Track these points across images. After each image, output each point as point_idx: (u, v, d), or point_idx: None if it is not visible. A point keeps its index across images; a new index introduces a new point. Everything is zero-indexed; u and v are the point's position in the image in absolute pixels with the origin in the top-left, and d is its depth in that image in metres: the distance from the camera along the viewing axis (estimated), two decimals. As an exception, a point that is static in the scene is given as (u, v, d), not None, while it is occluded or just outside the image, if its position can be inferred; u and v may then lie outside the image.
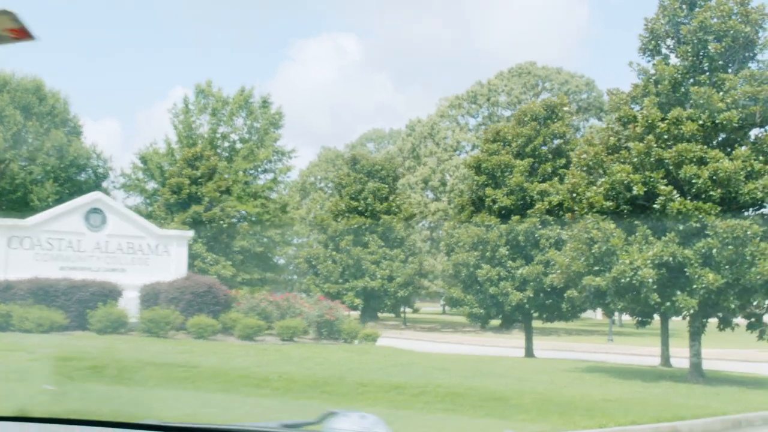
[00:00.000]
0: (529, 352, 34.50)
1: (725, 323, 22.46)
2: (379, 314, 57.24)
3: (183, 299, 24.55)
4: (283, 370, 18.03)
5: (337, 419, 2.73)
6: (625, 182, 20.88)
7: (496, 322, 37.15)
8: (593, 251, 20.65)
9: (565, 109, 37.45)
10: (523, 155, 35.37)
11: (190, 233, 30.61)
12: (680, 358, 27.60)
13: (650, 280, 19.58)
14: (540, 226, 32.92)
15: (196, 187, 40.62)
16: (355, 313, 43.34)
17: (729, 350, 35.58)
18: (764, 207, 20.91)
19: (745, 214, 20.93)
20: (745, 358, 34.65)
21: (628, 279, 19.79)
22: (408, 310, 61.60)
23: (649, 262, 19.75)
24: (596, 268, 20.77)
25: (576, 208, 22.52)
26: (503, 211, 34.39)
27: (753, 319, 21.60)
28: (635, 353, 38.62)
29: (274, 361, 19.52)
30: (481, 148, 37.84)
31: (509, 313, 33.87)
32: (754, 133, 22.10)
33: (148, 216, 43.29)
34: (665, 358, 28.55)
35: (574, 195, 22.76)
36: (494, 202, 34.64)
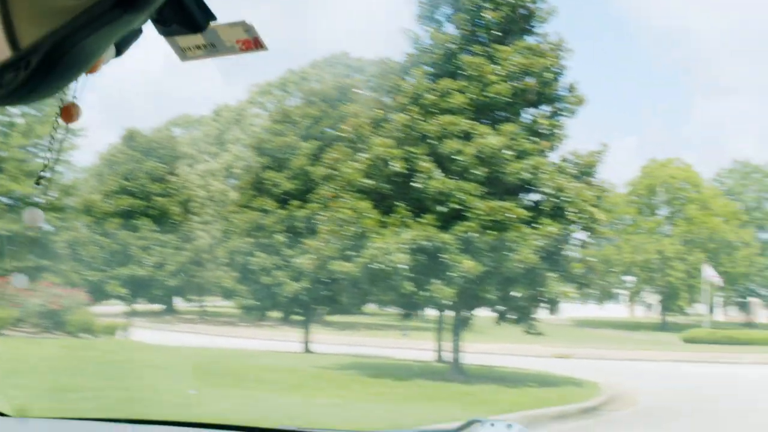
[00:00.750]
0: (307, 348, 32.11)
1: (502, 317, 20.65)
2: (182, 306, 53.49)
3: None
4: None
5: (481, 427, 2.64)
6: (385, 157, 18.59)
7: (277, 314, 34.71)
8: (345, 233, 18.25)
9: (359, 91, 35.35)
10: (310, 137, 32.96)
11: None
12: (465, 353, 26.16)
13: (404, 267, 17.35)
14: (322, 213, 30.54)
15: (-57, 160, 35.47)
16: (122, 306, 39.53)
17: (515, 345, 34.17)
18: (534, 190, 19.08)
19: (518, 197, 19.12)
20: (529, 353, 33.56)
21: (380, 265, 17.47)
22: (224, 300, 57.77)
23: (405, 246, 17.51)
24: (348, 252, 18.36)
25: (334, 186, 20.09)
26: (285, 196, 31.84)
27: (517, 312, 19.81)
28: (424, 348, 36.90)
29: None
30: (266, 128, 35.28)
31: (285, 305, 31.34)
32: (532, 111, 20.39)
33: None
34: (439, 354, 26.74)
35: (333, 172, 20.33)
36: (276, 185, 32.03)
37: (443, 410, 13.93)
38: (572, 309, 72.93)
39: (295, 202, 30.96)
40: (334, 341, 39.81)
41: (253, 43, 1.30)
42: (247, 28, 1.28)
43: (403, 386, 17.60)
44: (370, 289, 18.55)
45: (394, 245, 17.39)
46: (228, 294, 32.37)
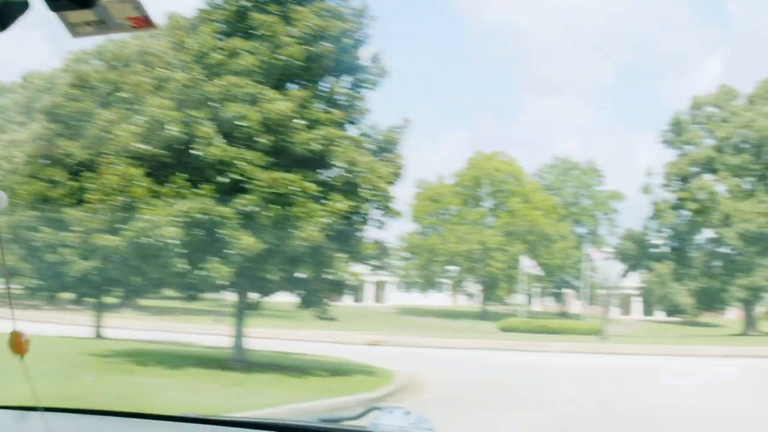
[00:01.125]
0: (99, 333, 29.72)
1: (307, 302, 19.04)
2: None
3: None
4: None
5: (380, 414, 2.58)
6: (162, 120, 16.64)
7: (69, 296, 31.98)
8: (113, 204, 16.21)
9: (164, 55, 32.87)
10: (109, 104, 30.31)
11: None
12: (266, 339, 25.03)
13: (175, 242, 15.51)
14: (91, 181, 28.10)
15: None
16: None
17: (329, 332, 32.49)
18: (326, 163, 17.59)
19: (308, 170, 17.56)
20: (342, 339, 32.35)
21: (148, 240, 15.55)
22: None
23: (178, 219, 15.66)
24: (116, 225, 16.32)
25: (106, 151, 17.98)
26: (78, 167, 29.09)
27: (308, 295, 18.33)
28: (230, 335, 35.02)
29: None
30: (63, 94, 32.30)
31: (74, 286, 28.67)
32: (330, 80, 18.91)
33: None
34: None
35: (107, 135, 18.21)
36: (68, 155, 29.22)
37: (202, 400, 12.30)
38: (397, 297, 72.70)
39: (89, 174, 28.34)
40: (139, 326, 37.32)
41: (144, 21, 1.27)
42: (137, 5, 1.24)
43: (170, 374, 15.84)
44: (140, 266, 16.58)
45: (165, 218, 15.50)
46: (11, 273, 29.22)
